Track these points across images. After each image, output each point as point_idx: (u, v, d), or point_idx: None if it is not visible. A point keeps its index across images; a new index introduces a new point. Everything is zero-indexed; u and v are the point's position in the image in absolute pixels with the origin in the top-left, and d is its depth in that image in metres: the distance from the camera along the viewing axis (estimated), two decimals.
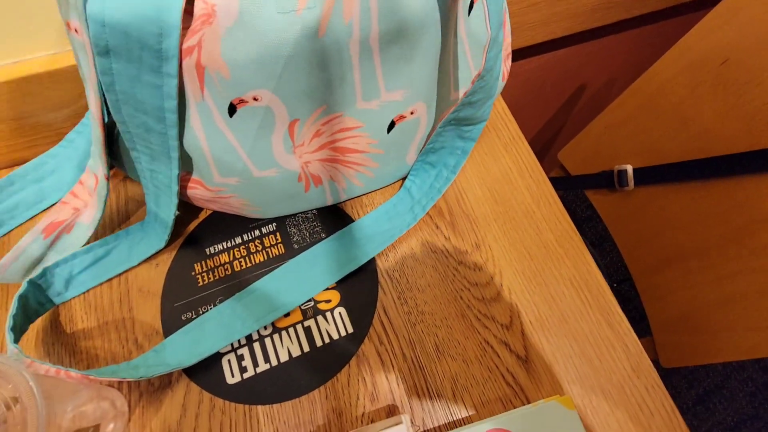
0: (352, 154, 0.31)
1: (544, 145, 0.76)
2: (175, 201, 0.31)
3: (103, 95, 0.27)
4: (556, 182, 0.65)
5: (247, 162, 0.28)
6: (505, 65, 0.35)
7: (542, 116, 0.68)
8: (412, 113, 0.30)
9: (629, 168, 0.54)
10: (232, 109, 0.25)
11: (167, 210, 0.32)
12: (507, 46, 0.34)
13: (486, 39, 0.31)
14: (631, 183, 0.54)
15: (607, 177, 0.57)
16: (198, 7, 0.20)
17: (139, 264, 0.36)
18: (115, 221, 0.38)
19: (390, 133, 0.30)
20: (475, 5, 0.29)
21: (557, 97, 0.65)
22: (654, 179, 0.52)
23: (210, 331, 0.32)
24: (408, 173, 0.37)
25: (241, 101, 0.25)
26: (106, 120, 0.31)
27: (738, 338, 0.45)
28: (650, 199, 0.53)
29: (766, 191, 0.41)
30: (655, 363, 0.53)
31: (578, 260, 0.36)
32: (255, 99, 0.25)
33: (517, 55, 0.52)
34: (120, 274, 0.35)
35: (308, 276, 0.35)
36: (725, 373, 0.93)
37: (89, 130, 0.38)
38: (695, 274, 0.49)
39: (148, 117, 0.24)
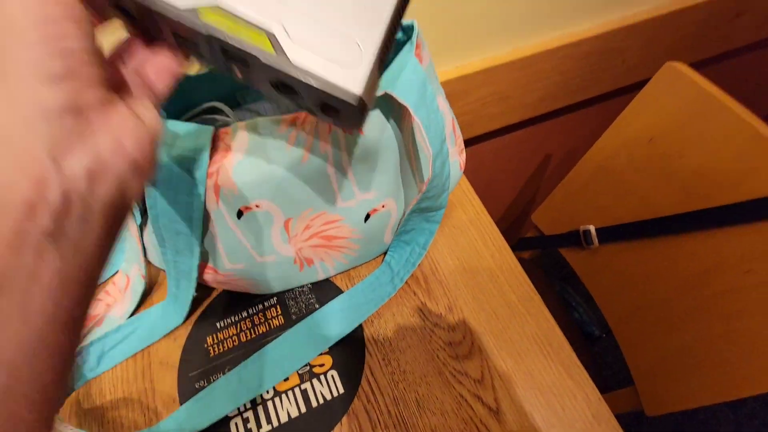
0: (337, 240, 0.38)
1: (523, 209, 0.83)
2: (194, 285, 0.38)
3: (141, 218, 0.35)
4: (531, 242, 0.71)
5: (252, 251, 0.35)
6: (460, 158, 0.43)
7: (515, 185, 0.76)
8: (383, 206, 0.37)
9: (592, 228, 0.60)
10: (239, 214, 0.32)
11: (186, 292, 0.39)
12: (459, 143, 0.42)
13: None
14: (596, 241, 0.60)
15: (575, 236, 0.63)
16: (220, 146, 0.29)
17: (160, 339, 0.42)
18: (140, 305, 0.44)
19: (367, 222, 0.37)
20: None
21: (526, 168, 0.73)
22: (614, 237, 0.58)
23: (219, 398, 0.37)
24: (387, 249, 0.44)
25: (246, 208, 0.32)
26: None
27: (709, 381, 0.48)
28: (614, 255, 0.59)
29: (707, 245, 0.47)
30: (641, 413, 0.55)
31: (539, 318, 0.41)
32: (257, 206, 0.32)
33: (481, 138, 0.61)
34: (143, 349, 0.41)
35: (305, 343, 0.40)
36: (709, 417, 0.92)
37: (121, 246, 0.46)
38: (662, 321, 0.53)
39: (179, 225, 0.32)
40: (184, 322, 0.42)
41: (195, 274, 0.37)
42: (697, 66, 0.53)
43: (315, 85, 0.17)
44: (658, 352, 0.54)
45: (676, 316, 0.52)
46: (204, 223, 0.33)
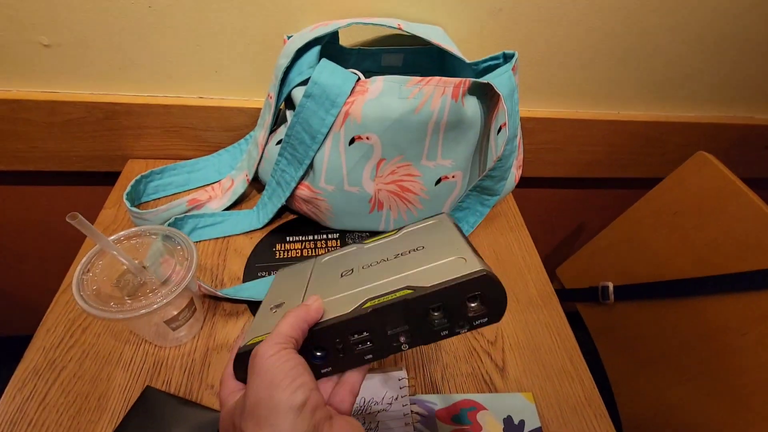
0: (409, 193, 0.47)
1: (545, 258, 0.90)
2: (288, 193, 0.47)
3: (270, 131, 0.47)
4: None
5: (345, 177, 0.45)
6: (517, 172, 0.53)
7: (545, 238, 0.84)
8: (453, 176, 0.47)
9: (610, 285, 0.66)
10: (351, 141, 0.43)
11: (278, 200, 0.49)
12: (520, 159, 0.53)
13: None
14: (612, 297, 0.66)
15: (593, 292, 0.69)
16: (360, 85, 0.40)
17: (239, 234, 0.50)
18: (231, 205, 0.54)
19: (437, 186, 0.47)
20: (501, 129, 0.49)
21: (558, 222, 0.81)
22: (629, 295, 0.64)
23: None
24: None
25: (359, 138, 0.43)
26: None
27: None
28: (627, 313, 0.64)
29: (710, 309, 0.53)
30: None
31: (554, 313, 0.47)
32: (367, 138, 0.43)
33: (533, 182, 0.71)
34: (225, 237, 0.50)
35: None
36: None
37: (236, 152, 0.57)
38: (661, 377, 0.57)
39: (306, 135, 0.43)
40: (263, 228, 0.51)
41: (294, 185, 0.47)
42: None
43: (454, 283, 0.22)
44: (653, 406, 0.56)
45: (675, 372, 0.56)
46: (323, 140, 0.44)
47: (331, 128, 0.42)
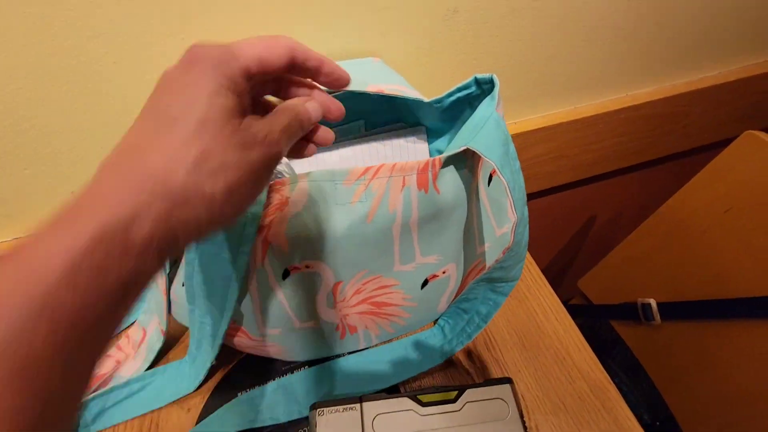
0: (388, 306, 0.33)
1: (560, 270, 0.78)
2: (215, 351, 0.33)
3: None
4: (579, 309, 0.65)
5: (291, 315, 0.31)
6: None
7: (556, 245, 0.71)
8: (444, 272, 0.32)
9: (653, 302, 0.54)
10: (285, 274, 0.28)
11: (206, 356, 0.34)
12: None
13: (506, 200, 0.35)
14: (657, 317, 0.54)
15: (631, 309, 0.57)
16: (275, 198, 0.25)
17: (165, 406, 0.36)
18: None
19: (423, 289, 0.33)
20: (494, 177, 0.34)
21: (568, 229, 0.69)
22: (681, 315, 0.52)
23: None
24: (437, 318, 0.39)
25: (295, 268, 0.28)
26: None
27: None
28: (680, 334, 0.53)
29: None
30: None
31: (617, 414, 0.35)
32: (307, 267, 0.28)
33: (530, 196, 0.57)
34: (146, 414, 0.35)
35: (327, 386, 0.36)
36: None
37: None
38: (750, 422, 0.46)
39: (215, 285, 0.28)
40: (198, 389, 0.37)
41: (220, 341, 0.32)
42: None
43: None
44: None
45: (760, 411, 0.44)
46: (242, 283, 0.29)
47: (247, 267, 0.28)
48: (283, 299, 0.30)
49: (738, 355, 0.47)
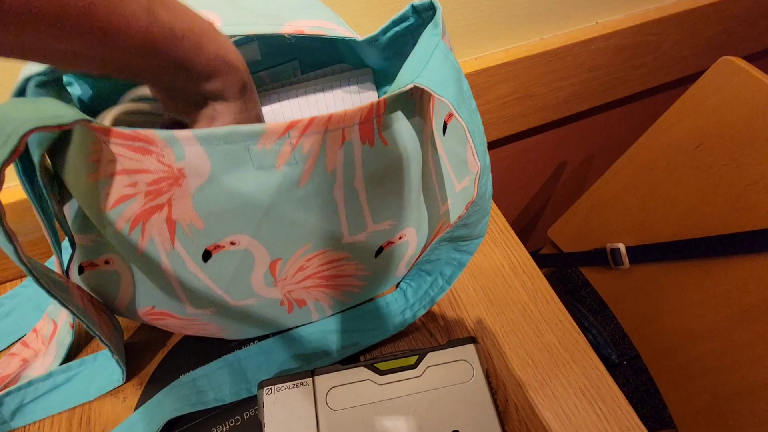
0: (339, 278, 0.29)
1: (531, 219, 0.76)
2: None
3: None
4: (548, 259, 0.64)
5: (224, 295, 0.26)
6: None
7: (526, 193, 0.68)
8: (400, 238, 0.29)
9: (622, 246, 0.53)
10: (206, 255, 0.24)
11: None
12: None
13: (466, 149, 0.31)
14: (626, 261, 0.53)
15: (600, 255, 0.56)
16: (153, 172, 0.19)
17: (98, 398, 0.32)
18: (82, 344, 0.35)
19: (378, 257, 0.29)
20: (448, 125, 0.30)
21: (539, 176, 0.66)
22: (649, 258, 0.51)
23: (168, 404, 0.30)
24: (399, 283, 0.36)
25: (217, 247, 0.23)
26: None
27: None
28: (649, 278, 0.52)
29: (765, 273, 0.40)
30: None
31: (587, 365, 0.33)
32: (232, 243, 0.23)
33: (497, 143, 0.53)
34: (75, 408, 0.32)
35: (283, 359, 0.33)
36: None
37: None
38: (709, 358, 0.46)
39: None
40: (133, 378, 0.33)
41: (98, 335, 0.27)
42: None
43: None
44: (706, 395, 0.46)
45: (729, 352, 0.45)
46: (154, 262, 0.24)
47: (155, 247, 0.23)
48: (210, 283, 0.25)
49: (702, 295, 0.46)
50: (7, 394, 0.30)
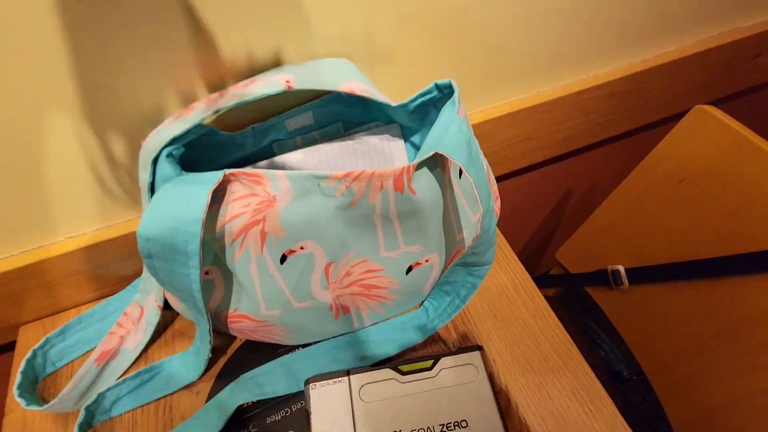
0: (376, 289, 0.37)
1: (541, 243, 0.82)
2: (208, 347, 0.37)
3: None
4: (555, 279, 0.70)
5: (290, 297, 0.34)
6: (495, 205, 0.42)
7: (536, 219, 0.75)
8: (426, 261, 0.36)
9: (621, 268, 0.58)
10: (283, 258, 0.32)
11: (204, 349, 0.38)
12: (495, 190, 0.42)
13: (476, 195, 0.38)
14: (626, 282, 0.58)
15: (602, 276, 0.61)
16: (260, 196, 0.28)
17: (176, 392, 0.40)
18: (163, 349, 0.43)
19: (408, 275, 0.36)
20: (463, 172, 0.37)
21: (547, 203, 0.72)
22: (645, 279, 0.56)
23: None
24: (423, 302, 0.43)
25: (291, 251, 0.31)
26: None
27: None
28: (647, 297, 0.57)
29: (749, 291, 0.45)
30: None
31: (578, 371, 0.39)
32: (302, 248, 0.31)
33: (504, 177, 0.60)
34: (160, 399, 0.40)
35: (322, 363, 0.40)
36: None
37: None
38: (703, 372, 0.51)
39: (183, 294, 0.31)
40: (202, 377, 0.41)
41: (209, 338, 0.36)
42: (719, 103, 0.53)
43: None
44: (702, 405, 0.51)
45: (718, 366, 0.49)
46: (244, 269, 0.32)
47: (248, 254, 0.31)
48: (282, 282, 0.33)
49: (692, 313, 0.51)
50: (108, 390, 0.39)
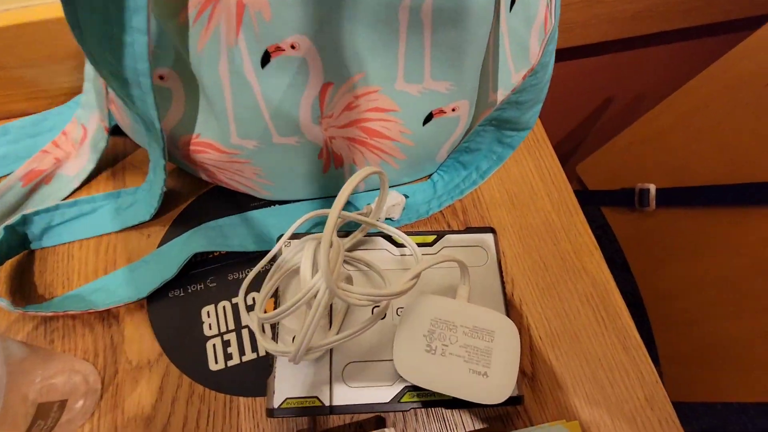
0: (382, 139, 0.29)
1: (563, 156, 0.73)
2: (162, 178, 0.29)
3: None
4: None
5: (269, 124, 0.26)
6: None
7: (565, 126, 0.65)
8: (453, 110, 0.27)
9: (652, 187, 0.51)
10: (266, 58, 0.23)
11: (158, 183, 0.30)
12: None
13: (530, 35, 0.28)
14: (653, 203, 0.52)
15: (627, 195, 0.55)
16: None
17: (122, 230, 0.33)
18: (111, 182, 0.36)
19: (425, 125, 0.28)
20: (515, 3, 0.27)
21: (582, 108, 0.62)
22: (679, 201, 0.49)
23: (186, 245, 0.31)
24: (431, 174, 0.35)
25: (278, 49, 0.22)
26: None
27: (753, 379, 0.42)
28: (671, 222, 0.51)
29: None
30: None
31: (597, 276, 0.34)
32: (293, 47, 0.22)
33: None
34: (102, 236, 0.33)
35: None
36: (724, 414, 0.90)
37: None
38: (717, 306, 0.46)
39: (122, 86, 0.22)
40: (157, 218, 0.34)
41: (162, 163, 0.28)
42: None
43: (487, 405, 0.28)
44: (699, 339, 0.47)
45: (725, 304, 0.45)
46: (212, 65, 0.23)
47: (217, 42, 0.22)
48: (261, 98, 0.25)
49: (721, 244, 0.45)
50: (36, 213, 0.32)
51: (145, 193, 0.33)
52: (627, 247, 0.57)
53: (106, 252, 0.33)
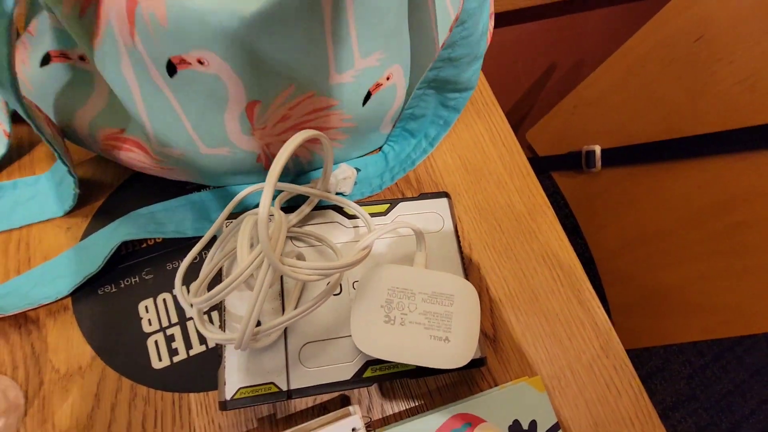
0: (323, 131, 0.27)
1: (513, 124, 0.74)
2: (64, 155, 0.25)
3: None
4: None
5: (193, 135, 0.23)
6: (490, 21, 0.32)
7: (512, 95, 0.66)
8: (388, 78, 0.26)
9: (597, 148, 0.53)
10: (171, 68, 0.20)
11: (62, 168, 0.27)
12: (491, 5, 0.31)
13: None
14: (599, 164, 0.53)
15: (575, 158, 0.56)
16: None
17: (35, 224, 0.29)
18: (15, 174, 0.31)
19: (365, 105, 0.26)
20: None
21: (527, 76, 0.63)
22: (621, 160, 0.51)
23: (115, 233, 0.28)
24: (382, 146, 0.34)
25: (183, 61, 0.19)
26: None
27: (689, 323, 0.45)
28: (616, 181, 0.53)
29: (730, 172, 0.41)
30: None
31: (550, 235, 0.34)
32: (200, 62, 0.19)
33: (495, 21, 0.49)
34: (11, 231, 0.29)
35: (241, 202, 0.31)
36: (665, 356, 0.98)
37: None
38: (656, 257, 0.49)
39: None
40: (74, 211, 0.30)
41: (61, 148, 0.24)
42: None
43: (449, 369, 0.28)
44: (644, 289, 0.50)
45: (672, 252, 0.47)
46: (114, 60, 0.20)
47: (113, 38, 0.19)
48: (177, 106, 0.22)
49: (662, 197, 0.48)
50: None
51: (49, 182, 0.29)
52: (577, 210, 0.59)
53: (18, 250, 0.29)
